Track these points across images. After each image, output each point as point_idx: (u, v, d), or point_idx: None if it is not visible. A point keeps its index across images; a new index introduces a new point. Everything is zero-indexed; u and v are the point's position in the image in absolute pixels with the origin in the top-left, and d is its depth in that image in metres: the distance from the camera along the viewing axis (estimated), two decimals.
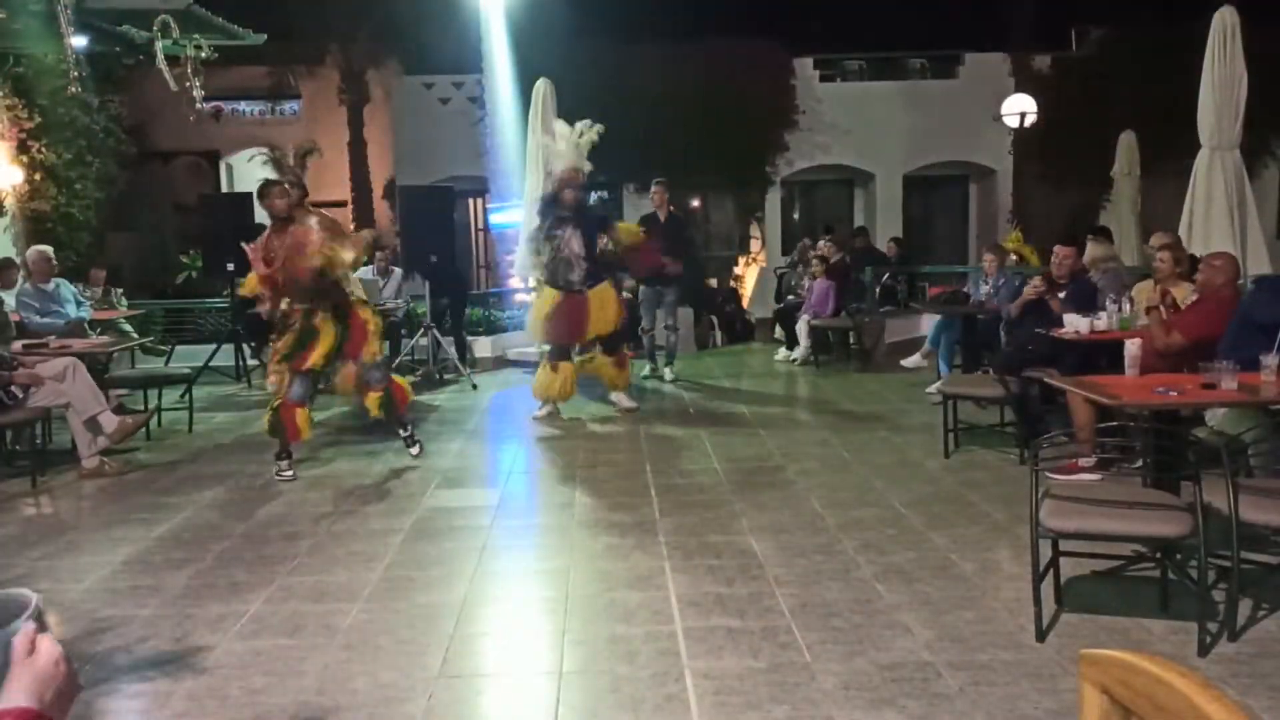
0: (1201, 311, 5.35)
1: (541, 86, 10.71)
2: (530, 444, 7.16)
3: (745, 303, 16.39)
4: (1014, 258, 9.50)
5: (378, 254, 10.52)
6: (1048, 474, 5.09)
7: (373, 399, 6.42)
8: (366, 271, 10.09)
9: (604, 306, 7.76)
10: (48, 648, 1.31)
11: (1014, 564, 4.25)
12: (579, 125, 7.81)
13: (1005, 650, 3.45)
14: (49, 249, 8.78)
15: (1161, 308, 5.52)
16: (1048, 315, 6.46)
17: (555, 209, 7.71)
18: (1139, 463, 4.71)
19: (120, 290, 10.98)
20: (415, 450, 6.57)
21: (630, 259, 8.11)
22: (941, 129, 17.14)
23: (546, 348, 8.28)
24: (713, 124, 15.61)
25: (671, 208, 9.62)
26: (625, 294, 11.08)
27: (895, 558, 4.43)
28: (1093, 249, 7.56)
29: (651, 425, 7.61)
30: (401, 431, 6.61)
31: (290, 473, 6.16)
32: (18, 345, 6.88)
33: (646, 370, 9.67)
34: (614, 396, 8.14)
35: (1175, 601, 3.77)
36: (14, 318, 7.85)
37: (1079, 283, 6.49)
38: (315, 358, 6.11)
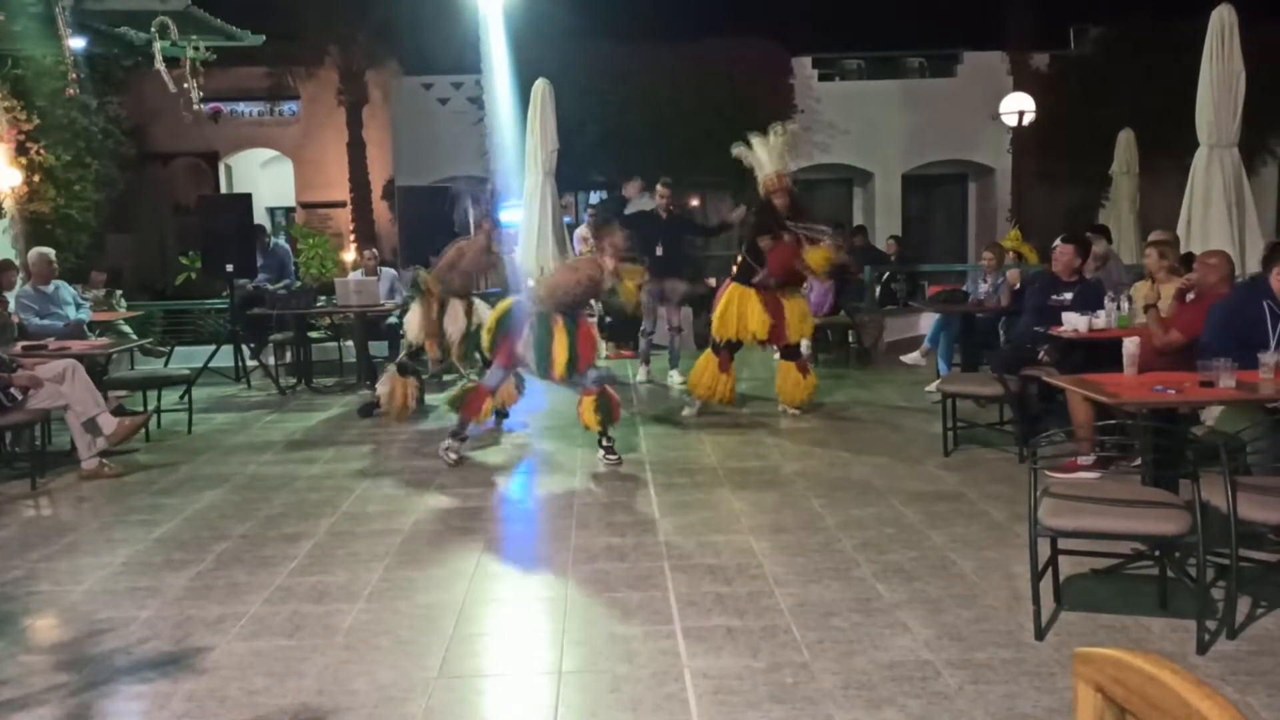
0: (1199, 310, 5.35)
1: (540, 86, 10.72)
2: (530, 444, 7.16)
3: None
4: (1013, 256, 9.50)
5: (365, 254, 10.53)
6: (1046, 472, 5.11)
7: (588, 404, 6.28)
8: (358, 273, 10.11)
9: (801, 316, 7.73)
10: None
11: (1013, 562, 4.25)
12: (775, 127, 7.74)
13: (1004, 649, 3.46)
14: (50, 251, 8.77)
15: (1159, 306, 5.53)
16: (1045, 311, 6.45)
17: (772, 216, 7.62)
18: (1137, 461, 4.72)
19: (120, 292, 10.99)
20: (615, 459, 6.33)
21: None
22: (940, 128, 17.14)
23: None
24: (711, 123, 15.63)
25: (670, 207, 9.60)
26: None
27: (894, 556, 4.43)
28: (1095, 247, 7.58)
29: (651, 425, 7.61)
30: (604, 441, 6.38)
31: (455, 456, 6.38)
32: (17, 347, 6.88)
33: (642, 374, 9.63)
34: (790, 409, 7.85)
35: (1174, 599, 3.78)
36: (13, 319, 7.85)
37: (1086, 284, 6.48)
38: (559, 367, 6.14)
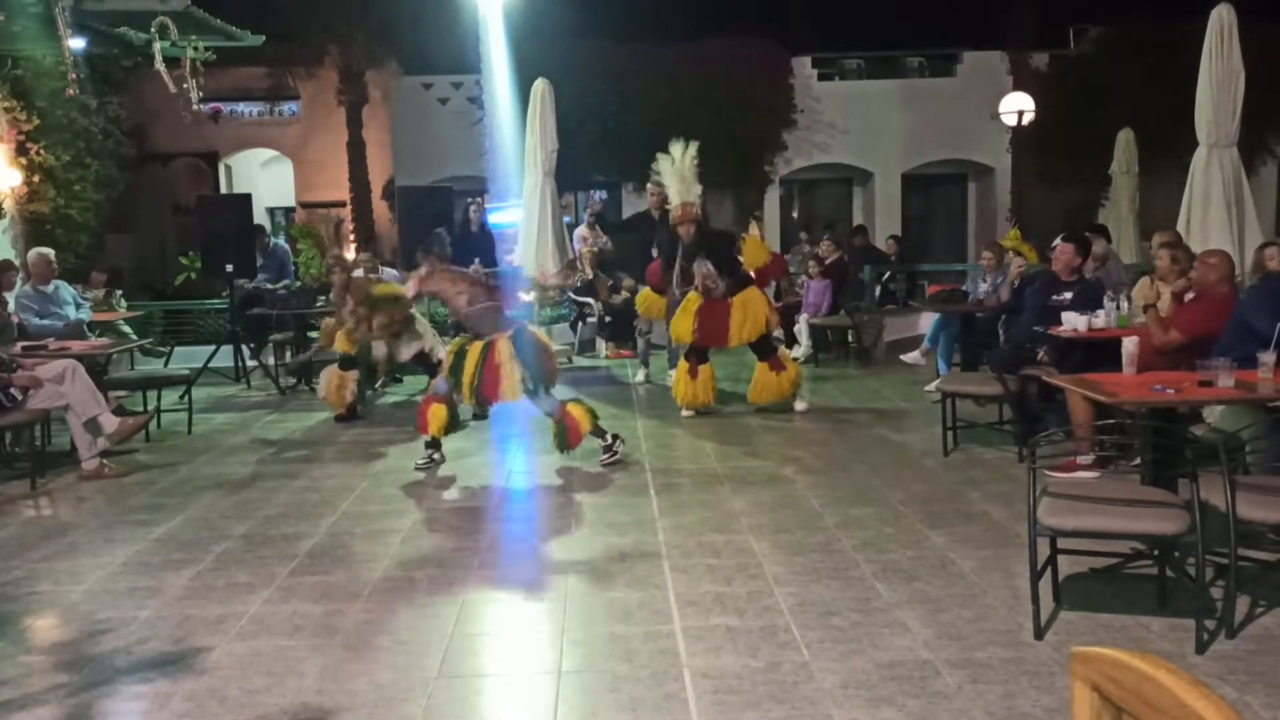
0: (1199, 309, 5.36)
1: (539, 86, 10.71)
2: (530, 444, 7.16)
3: None
4: (1012, 255, 9.51)
5: (361, 256, 10.49)
6: (1046, 472, 5.11)
7: (552, 429, 6.28)
8: (358, 273, 10.10)
9: (751, 309, 7.62)
10: None
11: (1012, 562, 4.25)
12: (675, 150, 7.68)
13: (1003, 648, 3.46)
14: (50, 251, 8.77)
15: (1158, 306, 5.53)
16: (1045, 311, 6.45)
17: (679, 245, 7.68)
18: (1137, 460, 4.72)
19: (120, 292, 10.99)
20: (613, 458, 6.28)
21: (760, 275, 7.89)
22: (940, 127, 17.15)
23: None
24: (711, 123, 15.62)
25: (665, 207, 9.54)
26: (624, 292, 11.11)
27: (894, 556, 4.44)
28: (1094, 247, 7.58)
29: (651, 425, 7.61)
30: (600, 442, 6.30)
31: (423, 461, 6.32)
32: (17, 347, 6.89)
33: (641, 375, 9.61)
34: (797, 405, 7.84)
35: (1173, 599, 3.78)
36: (13, 319, 7.86)
37: (1085, 284, 6.48)
38: (464, 390, 6.15)
